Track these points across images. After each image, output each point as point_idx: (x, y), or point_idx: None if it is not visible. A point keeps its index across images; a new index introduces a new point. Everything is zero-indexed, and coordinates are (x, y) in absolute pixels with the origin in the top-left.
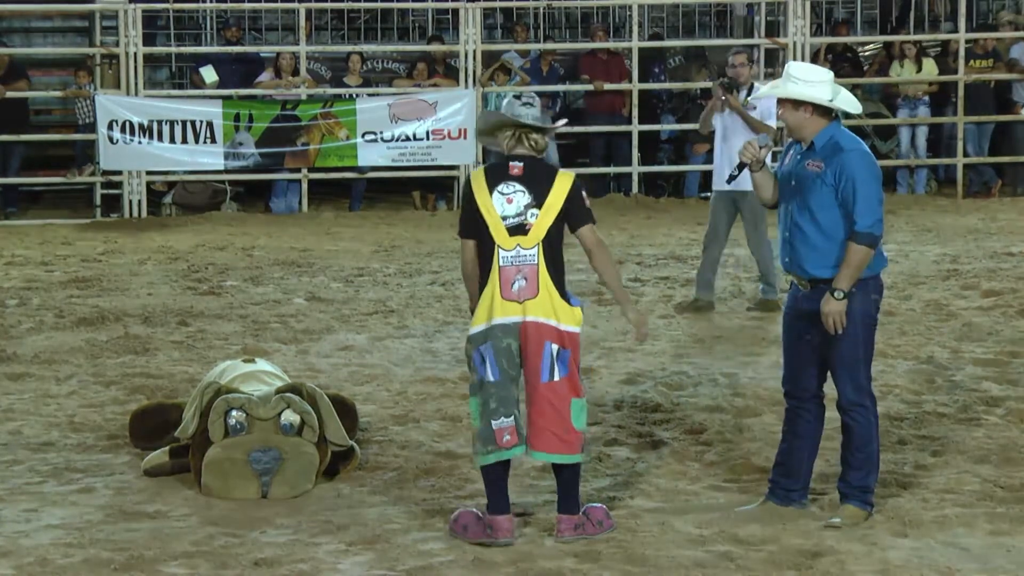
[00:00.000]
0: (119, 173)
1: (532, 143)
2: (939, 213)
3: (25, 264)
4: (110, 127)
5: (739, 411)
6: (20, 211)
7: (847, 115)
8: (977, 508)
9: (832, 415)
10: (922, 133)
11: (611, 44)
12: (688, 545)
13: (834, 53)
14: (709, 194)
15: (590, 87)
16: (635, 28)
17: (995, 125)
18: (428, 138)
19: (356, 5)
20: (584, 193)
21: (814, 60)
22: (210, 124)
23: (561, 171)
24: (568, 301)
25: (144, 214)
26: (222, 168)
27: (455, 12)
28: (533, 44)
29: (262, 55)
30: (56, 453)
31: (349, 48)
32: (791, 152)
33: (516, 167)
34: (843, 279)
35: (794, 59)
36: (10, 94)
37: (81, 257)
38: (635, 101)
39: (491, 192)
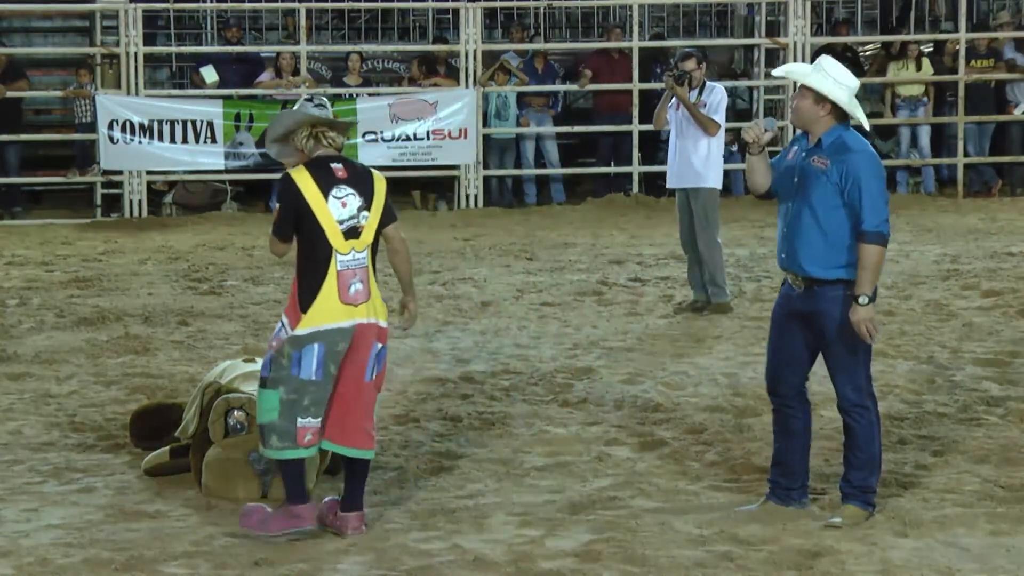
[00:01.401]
0: (120, 173)
1: (330, 141)
2: (939, 213)
3: (25, 264)
4: (111, 127)
5: (739, 411)
6: (21, 210)
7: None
8: (977, 508)
9: (832, 415)
10: (924, 133)
11: (612, 44)
12: (688, 545)
13: (834, 53)
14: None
15: (590, 87)
16: (635, 28)
17: (995, 125)
18: (428, 138)
19: (356, 5)
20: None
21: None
22: (211, 124)
23: (375, 171)
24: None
25: (144, 214)
26: (223, 168)
27: (455, 12)
28: (532, 44)
29: (262, 55)
30: (56, 453)
31: (349, 48)
32: (795, 148)
33: (339, 169)
34: (864, 283)
35: (795, 59)
36: (9, 94)
37: (81, 257)
38: (635, 101)
39: (325, 196)
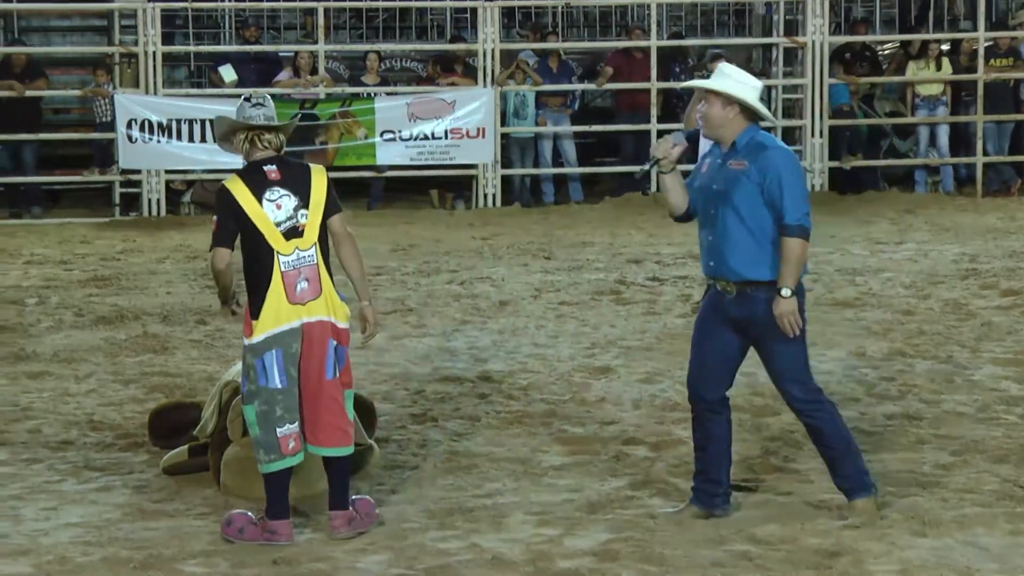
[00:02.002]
0: (138, 172)
1: (266, 143)
2: (958, 212)
3: (44, 263)
4: (129, 126)
5: (757, 410)
6: (41, 210)
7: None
8: (996, 508)
9: (851, 414)
10: (943, 132)
11: (631, 43)
12: (706, 544)
13: (852, 52)
14: None
15: (609, 85)
16: (653, 27)
17: (1014, 124)
18: (446, 137)
19: (374, 4)
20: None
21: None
22: None
23: (313, 166)
24: (338, 294)
25: (163, 213)
26: (241, 167)
27: (473, 11)
28: (550, 43)
29: (280, 54)
30: (75, 452)
31: (367, 47)
32: (708, 160)
33: (272, 172)
34: (786, 276)
35: (813, 58)
36: (28, 93)
37: (100, 256)
38: (654, 100)
39: (259, 201)
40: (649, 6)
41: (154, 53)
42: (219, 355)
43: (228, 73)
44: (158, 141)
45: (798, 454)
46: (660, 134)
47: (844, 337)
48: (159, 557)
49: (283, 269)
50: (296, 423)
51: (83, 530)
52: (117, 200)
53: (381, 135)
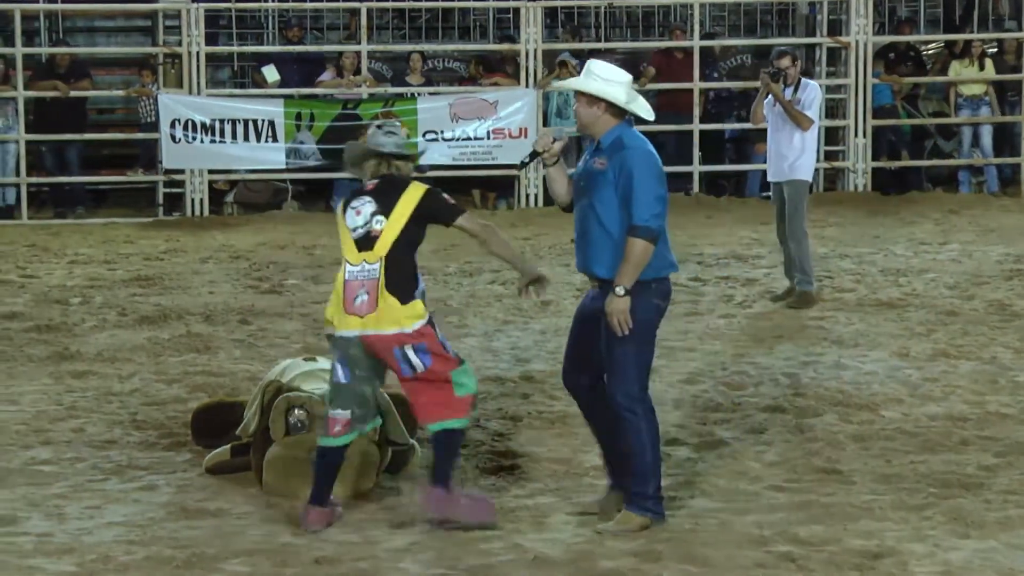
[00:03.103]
0: (181, 172)
1: (395, 169)
2: (1002, 213)
3: (88, 263)
4: (172, 126)
5: (800, 411)
6: (85, 210)
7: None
8: None
9: (892, 415)
10: (987, 132)
11: (673, 43)
12: (749, 545)
13: (897, 52)
14: (768, 194)
15: (651, 86)
16: (696, 27)
17: None
18: (489, 137)
19: (417, 4)
20: (445, 195)
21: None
22: (272, 123)
23: (415, 182)
24: (406, 300)
25: (206, 213)
26: (284, 167)
27: (516, 11)
28: (593, 44)
29: (323, 55)
30: (119, 451)
31: (410, 47)
32: (584, 155)
33: (371, 184)
34: (623, 275)
35: (856, 58)
36: (72, 93)
37: (143, 256)
38: (696, 100)
39: (345, 209)
40: (692, 6)
41: (198, 53)
42: (261, 355)
43: (271, 73)
44: (201, 141)
45: (841, 455)
46: (702, 135)
47: (887, 338)
48: (202, 556)
49: (347, 278)
50: (348, 411)
51: (126, 529)
52: (161, 200)
53: (424, 135)
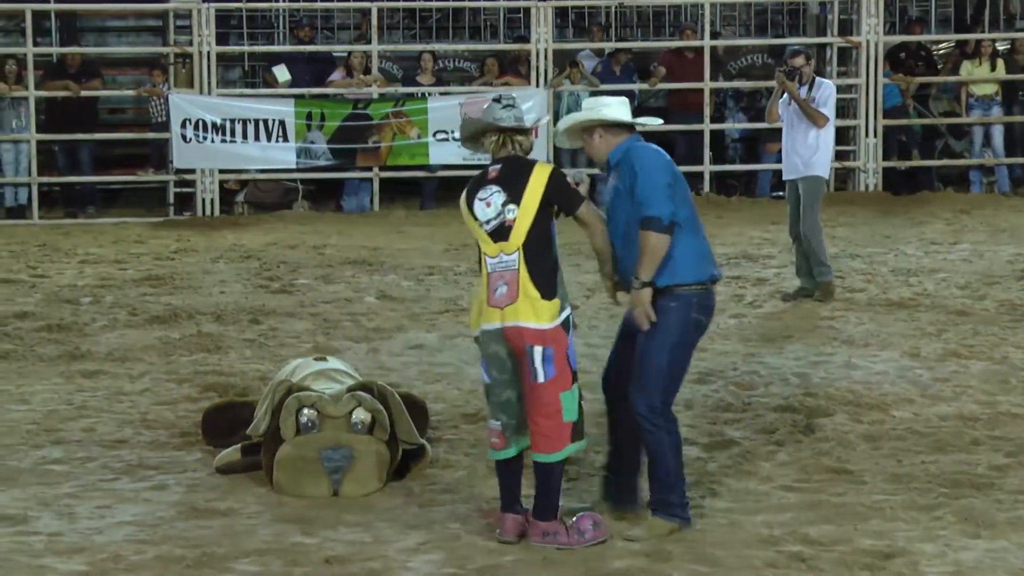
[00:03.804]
0: (192, 172)
1: (517, 145)
2: (1013, 213)
3: (99, 262)
4: (183, 126)
5: (811, 411)
6: (96, 210)
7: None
8: None
9: (903, 415)
10: (998, 132)
11: (683, 43)
12: (759, 545)
13: (907, 51)
14: (781, 194)
15: (663, 85)
16: (707, 27)
17: None
18: None
19: (428, 4)
20: (568, 179)
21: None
22: (282, 123)
23: (539, 163)
24: (548, 296)
25: (217, 212)
26: (294, 167)
27: (526, 11)
28: (604, 43)
29: (334, 54)
30: (129, 450)
31: (420, 47)
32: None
33: (494, 170)
34: (641, 268)
35: (867, 58)
36: (83, 93)
37: (154, 255)
38: (707, 100)
39: (473, 202)
40: (702, 6)
41: (208, 53)
42: (272, 354)
43: (282, 73)
44: (212, 141)
45: (851, 455)
46: (713, 134)
47: (898, 338)
48: (212, 555)
49: (488, 270)
50: (499, 421)
51: (137, 528)
52: (171, 200)
53: (434, 135)
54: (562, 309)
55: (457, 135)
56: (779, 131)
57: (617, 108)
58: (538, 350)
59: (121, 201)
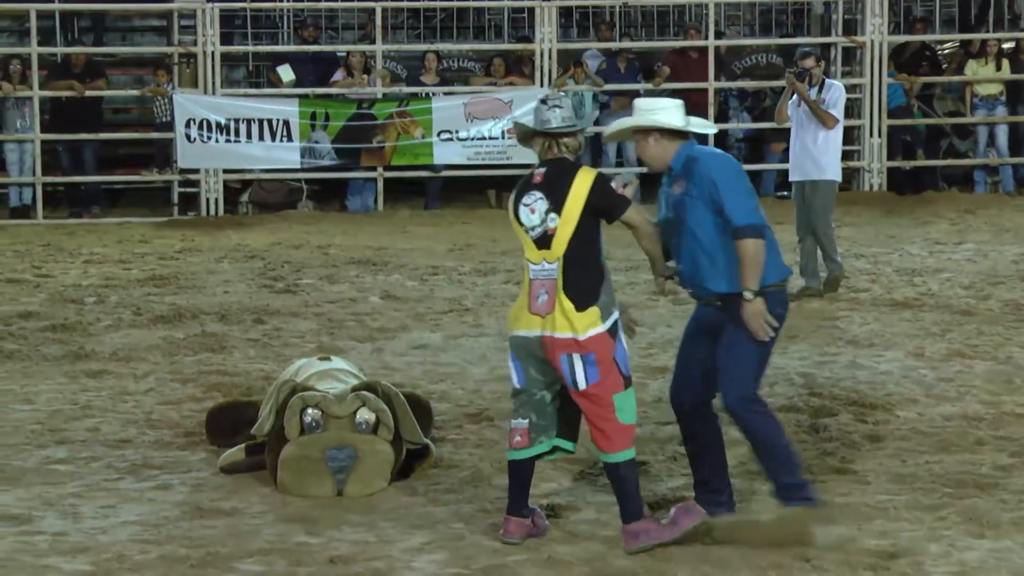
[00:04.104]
0: (196, 172)
1: (563, 147)
2: (1017, 212)
3: (103, 262)
4: (187, 126)
5: (815, 411)
6: (100, 209)
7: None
8: None
9: (909, 415)
10: (1002, 132)
11: (687, 43)
12: (763, 545)
13: (912, 51)
14: (785, 193)
15: (666, 85)
16: (711, 27)
17: None
18: (503, 137)
19: (432, 4)
20: (612, 183)
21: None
22: (287, 123)
23: (583, 169)
24: (584, 306)
25: (221, 212)
26: (298, 167)
27: (531, 11)
28: (609, 43)
29: (338, 54)
30: (133, 450)
31: (425, 47)
32: (661, 193)
33: (539, 175)
34: (746, 278)
35: (872, 57)
36: (88, 93)
37: (158, 255)
38: (711, 100)
39: (518, 207)
40: (706, 6)
41: (213, 53)
42: (276, 354)
43: (286, 73)
44: (216, 141)
45: (856, 455)
46: (717, 134)
47: (902, 338)
48: (216, 555)
49: (531, 277)
50: (526, 420)
51: (141, 528)
52: (176, 199)
53: (438, 135)
54: (606, 315)
55: (461, 135)
56: (783, 131)
57: (674, 112)
58: (576, 357)
59: (125, 201)
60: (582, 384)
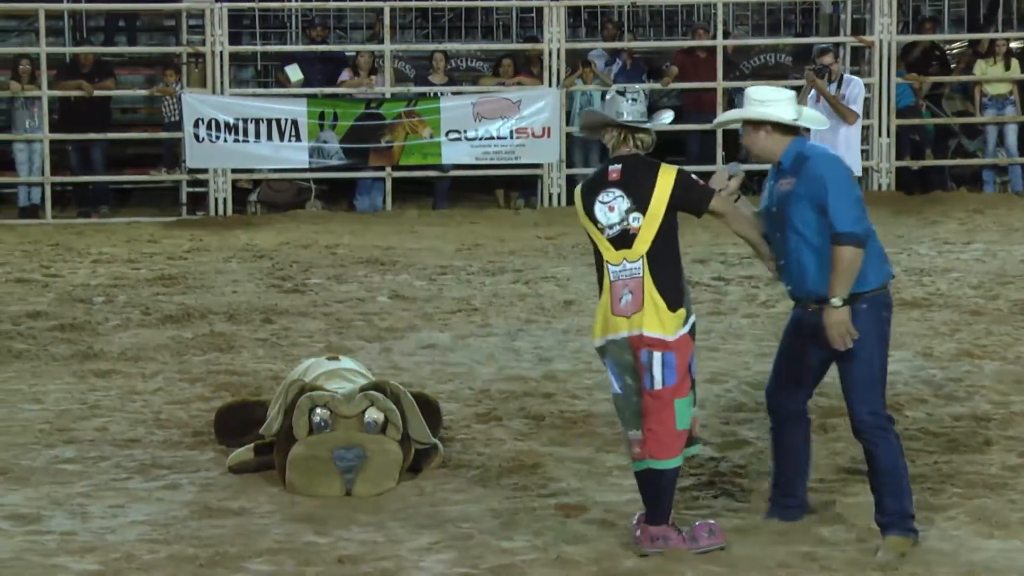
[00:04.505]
0: (205, 171)
1: (638, 142)
2: None
3: (112, 262)
4: (196, 125)
5: (823, 411)
6: (109, 209)
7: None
8: None
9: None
10: (1012, 131)
11: (695, 43)
12: (771, 545)
13: (921, 51)
14: None
15: (675, 85)
16: (720, 27)
17: None
18: (512, 137)
19: (440, 4)
20: (693, 176)
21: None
22: (295, 122)
23: (664, 167)
24: (674, 307)
25: (229, 212)
26: (307, 166)
27: (539, 11)
28: (617, 43)
29: (347, 54)
30: (142, 450)
31: (433, 47)
32: (767, 184)
33: (615, 171)
34: (836, 285)
35: (880, 57)
36: (96, 92)
37: (167, 255)
38: (719, 99)
39: (592, 204)
40: (715, 5)
41: (221, 53)
42: (285, 354)
43: (294, 73)
44: (225, 141)
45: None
46: (725, 133)
47: (911, 338)
48: (225, 555)
49: (611, 279)
50: (639, 430)
51: (149, 527)
52: (184, 199)
53: (446, 134)
54: (688, 317)
55: (469, 134)
56: None
57: (787, 106)
58: (657, 356)
59: (134, 201)
60: (659, 385)
